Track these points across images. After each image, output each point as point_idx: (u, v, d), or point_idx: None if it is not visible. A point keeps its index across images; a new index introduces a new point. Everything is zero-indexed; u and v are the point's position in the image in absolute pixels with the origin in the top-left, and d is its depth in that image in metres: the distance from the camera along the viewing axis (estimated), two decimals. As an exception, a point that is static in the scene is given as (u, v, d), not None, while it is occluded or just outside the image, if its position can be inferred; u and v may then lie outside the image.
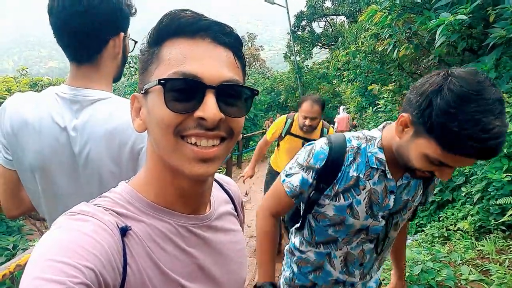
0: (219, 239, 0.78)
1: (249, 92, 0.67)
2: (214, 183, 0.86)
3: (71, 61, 1.14)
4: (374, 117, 8.33)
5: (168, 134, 0.61)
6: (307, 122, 3.14)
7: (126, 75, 9.37)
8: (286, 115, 3.59)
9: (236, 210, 0.92)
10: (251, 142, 15.74)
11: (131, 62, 9.38)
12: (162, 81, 0.60)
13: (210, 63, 0.62)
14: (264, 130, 14.81)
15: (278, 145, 3.65)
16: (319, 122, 3.27)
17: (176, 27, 0.63)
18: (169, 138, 0.61)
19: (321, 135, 3.25)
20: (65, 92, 1.12)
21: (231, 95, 0.64)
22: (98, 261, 0.53)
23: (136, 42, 1.27)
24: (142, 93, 0.67)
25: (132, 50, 1.29)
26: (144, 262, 0.62)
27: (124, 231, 0.61)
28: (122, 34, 1.16)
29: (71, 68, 1.15)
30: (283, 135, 3.46)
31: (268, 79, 24.89)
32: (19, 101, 1.15)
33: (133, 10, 1.19)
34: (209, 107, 0.60)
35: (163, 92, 0.60)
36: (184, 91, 0.60)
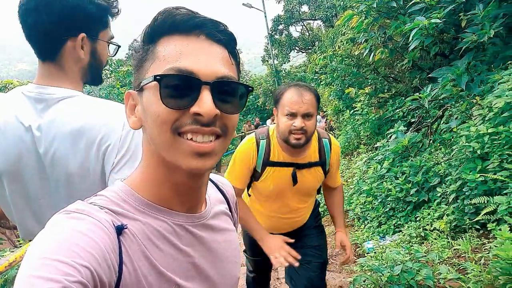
0: (214, 238, 0.78)
1: (244, 88, 0.68)
2: (210, 183, 0.87)
3: (37, 57, 1.12)
4: (351, 120, 8.46)
5: (165, 131, 0.62)
6: (297, 123, 1.75)
7: (111, 78, 9.15)
8: (253, 134, 2.03)
9: (230, 210, 0.93)
10: (230, 146, 15.69)
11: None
12: (157, 77, 0.60)
13: (206, 59, 0.63)
14: (243, 134, 14.75)
15: (251, 187, 2.14)
16: (315, 126, 1.88)
17: (171, 24, 0.64)
18: (166, 134, 0.62)
19: (321, 152, 2.06)
20: (31, 91, 1.08)
21: (226, 91, 0.65)
22: (94, 260, 0.52)
23: (119, 47, 1.24)
24: (137, 90, 0.67)
25: (115, 55, 1.25)
26: (139, 261, 0.62)
27: (120, 230, 0.60)
28: (83, 35, 1.10)
29: (38, 65, 1.13)
30: (258, 170, 1.98)
31: (246, 82, 24.92)
32: None
33: (115, 11, 1.15)
34: (205, 103, 0.61)
35: (158, 88, 0.60)
36: (180, 87, 0.61)
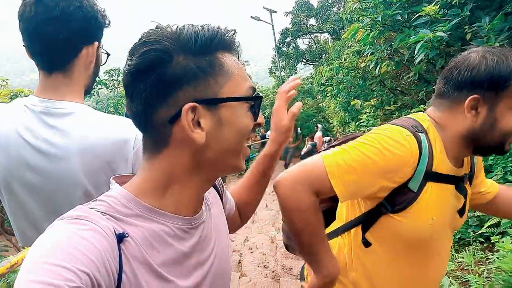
0: (212, 233, 0.81)
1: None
2: None
3: (41, 69, 1.10)
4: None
5: (244, 140, 0.73)
6: None
7: (109, 87, 9.24)
8: (393, 124, 1.16)
9: (218, 192, 0.97)
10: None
11: (114, 74, 9.28)
12: (256, 94, 0.74)
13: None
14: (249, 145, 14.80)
15: (369, 230, 1.18)
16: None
17: (225, 40, 0.69)
18: (243, 142, 0.73)
19: (471, 159, 1.37)
20: (35, 104, 1.06)
21: None
22: (94, 266, 0.53)
23: (109, 55, 1.25)
24: (207, 104, 0.66)
25: (105, 63, 1.27)
26: (141, 268, 0.62)
27: (121, 238, 0.60)
28: (96, 43, 1.14)
29: (41, 78, 1.11)
30: (413, 188, 1.09)
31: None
32: None
33: (107, 22, 1.17)
34: (261, 115, 0.76)
35: (249, 105, 0.72)
36: (259, 104, 0.75)
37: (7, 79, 7.92)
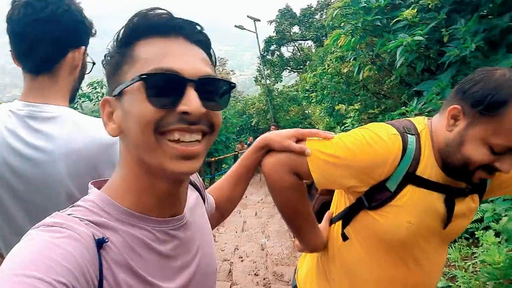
0: (195, 235, 0.79)
1: (227, 85, 0.69)
2: None
3: (27, 72, 1.10)
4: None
5: (148, 131, 0.61)
6: (505, 167, 1.00)
7: (93, 100, 9.15)
8: (387, 123, 1.16)
9: (201, 194, 0.94)
10: (223, 165, 15.65)
11: (97, 87, 9.21)
12: (144, 76, 0.60)
13: (188, 59, 0.64)
14: (236, 153, 14.79)
15: (350, 224, 1.22)
16: None
17: (149, 26, 0.64)
18: (149, 135, 0.61)
19: None
20: (20, 109, 1.05)
21: (210, 89, 0.65)
22: (71, 275, 0.50)
23: (94, 64, 1.25)
24: (114, 96, 0.65)
25: (90, 71, 1.27)
26: (122, 272, 0.60)
27: (100, 243, 0.58)
28: (83, 47, 1.16)
29: (26, 81, 1.11)
30: (391, 187, 1.09)
31: (240, 102, 25.18)
32: None
33: (94, 31, 1.19)
34: (192, 101, 0.60)
35: (144, 88, 0.60)
36: (165, 86, 0.60)
37: (-12, 95, 7.74)
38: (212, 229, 0.97)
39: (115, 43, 0.66)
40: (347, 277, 1.22)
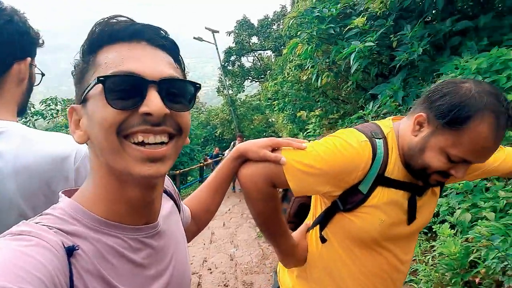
0: (169, 244, 0.77)
1: (192, 86, 0.68)
2: None
3: None
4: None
5: (111, 134, 0.59)
6: (460, 173, 1.10)
7: (47, 118, 8.76)
8: (355, 129, 1.22)
9: (176, 204, 0.92)
10: (189, 177, 15.42)
11: (51, 104, 8.84)
12: (101, 78, 0.58)
13: (149, 61, 0.63)
14: (202, 164, 14.62)
15: (327, 226, 1.27)
16: None
17: (110, 33, 0.63)
18: (112, 138, 0.59)
19: None
20: None
21: (174, 90, 0.64)
22: (41, 284, 0.48)
23: (43, 75, 1.20)
24: (80, 103, 0.64)
25: (39, 83, 1.23)
26: (94, 281, 0.58)
27: (70, 251, 0.56)
28: (29, 59, 1.11)
29: None
30: (363, 190, 1.16)
31: (203, 113, 25.05)
32: None
33: (41, 41, 1.15)
34: (153, 102, 0.59)
35: (103, 91, 0.59)
36: (126, 88, 0.59)
37: None
38: (188, 242, 0.95)
39: (81, 52, 0.66)
40: (330, 277, 1.27)
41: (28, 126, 1.12)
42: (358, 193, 1.14)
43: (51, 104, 8.84)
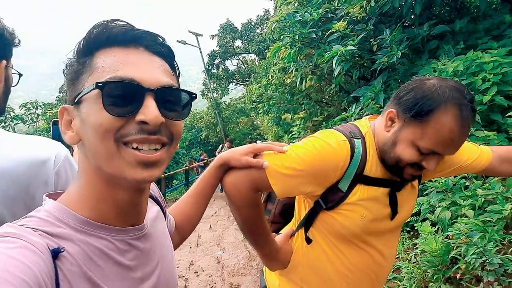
0: (156, 247, 0.78)
1: (188, 95, 0.69)
2: None
3: None
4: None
5: (107, 140, 0.60)
6: (431, 165, 1.15)
7: (27, 122, 8.56)
8: (334, 129, 1.27)
9: (162, 209, 0.93)
10: (174, 181, 15.29)
11: (31, 108, 8.64)
12: (99, 84, 0.59)
13: (147, 68, 0.63)
14: (187, 168, 14.52)
15: (312, 225, 1.31)
16: None
17: (108, 36, 0.63)
18: (108, 144, 0.60)
19: None
20: None
21: (170, 99, 0.65)
22: (26, 286, 0.48)
23: (21, 75, 1.18)
24: (73, 104, 0.64)
25: (17, 84, 1.22)
26: (81, 283, 0.58)
27: (55, 253, 0.56)
28: (4, 62, 1.10)
29: None
30: (343, 188, 1.22)
31: (188, 116, 24.89)
32: None
33: (17, 41, 1.14)
34: (150, 111, 0.60)
35: (101, 96, 0.59)
36: (123, 95, 0.60)
37: None
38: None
39: (75, 52, 0.65)
40: (317, 274, 1.31)
41: (7, 131, 1.09)
42: (338, 191, 1.19)
43: (31, 108, 8.65)
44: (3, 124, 7.93)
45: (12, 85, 1.17)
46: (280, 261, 1.35)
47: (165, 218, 0.94)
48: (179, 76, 0.74)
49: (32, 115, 8.61)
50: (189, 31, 20.72)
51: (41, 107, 8.68)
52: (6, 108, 1.17)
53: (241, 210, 1.21)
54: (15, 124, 8.38)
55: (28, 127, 8.60)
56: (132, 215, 0.71)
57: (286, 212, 1.47)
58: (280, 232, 1.42)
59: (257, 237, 1.29)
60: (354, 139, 1.18)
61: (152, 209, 0.86)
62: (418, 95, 1.09)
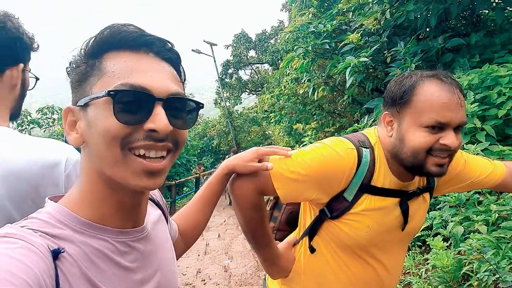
0: (156, 250, 0.78)
1: (195, 105, 0.70)
2: None
3: None
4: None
5: (114, 146, 0.60)
6: (449, 139, 1.08)
7: (43, 126, 8.74)
8: (343, 137, 1.24)
9: (164, 213, 0.93)
10: (184, 188, 15.33)
11: (48, 112, 8.82)
12: (111, 92, 0.59)
13: (157, 76, 0.64)
14: (197, 175, 14.56)
15: (317, 234, 1.28)
16: None
17: (119, 40, 0.64)
18: (114, 150, 0.60)
19: None
20: None
21: (178, 107, 0.66)
22: (27, 286, 0.48)
23: (37, 79, 1.21)
24: (79, 106, 0.64)
25: (33, 87, 1.23)
26: (81, 284, 0.59)
27: (56, 254, 0.56)
28: (22, 65, 1.11)
29: None
30: (348, 197, 1.21)
31: (200, 124, 25.08)
32: None
33: (36, 45, 1.16)
34: (160, 119, 0.60)
35: (112, 103, 0.59)
36: (133, 103, 0.60)
37: None
38: (177, 259, 0.95)
39: (82, 52, 0.65)
40: (320, 286, 1.29)
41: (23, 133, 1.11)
42: (344, 200, 1.17)
43: (48, 112, 8.84)
44: (19, 127, 8.12)
45: (28, 88, 1.20)
46: (281, 268, 1.34)
47: (167, 222, 0.94)
48: (184, 81, 0.74)
49: (48, 120, 8.78)
50: (204, 41, 21.00)
51: (57, 111, 8.86)
52: (23, 112, 1.20)
53: (244, 212, 1.23)
54: (31, 128, 8.55)
55: (44, 131, 8.76)
56: (132, 215, 0.71)
57: (292, 220, 1.46)
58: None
59: (258, 240, 1.29)
60: (363, 148, 1.17)
61: (154, 213, 0.86)
62: (397, 85, 1.13)
